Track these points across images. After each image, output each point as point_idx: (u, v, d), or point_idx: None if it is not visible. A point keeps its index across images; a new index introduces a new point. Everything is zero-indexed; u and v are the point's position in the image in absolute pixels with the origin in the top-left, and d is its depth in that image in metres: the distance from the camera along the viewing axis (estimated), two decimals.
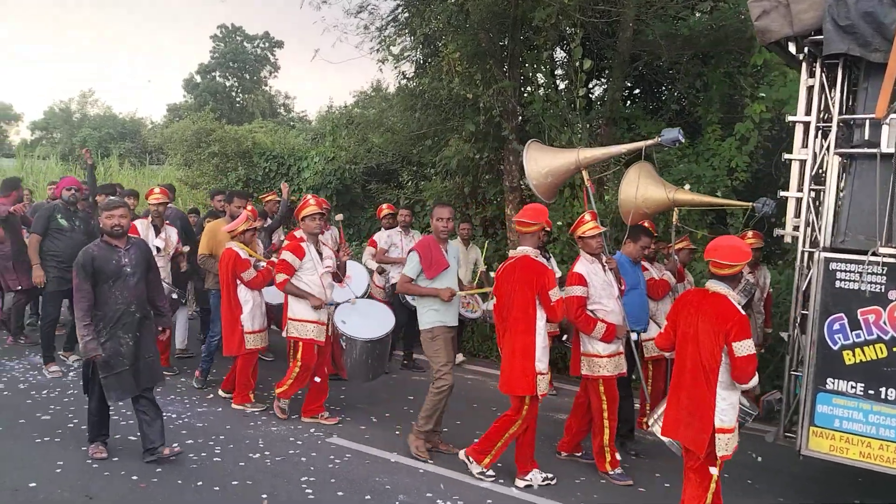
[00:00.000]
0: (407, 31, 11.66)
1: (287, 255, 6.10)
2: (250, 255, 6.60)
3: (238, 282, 6.46)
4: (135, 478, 4.93)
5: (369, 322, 6.37)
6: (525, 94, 10.74)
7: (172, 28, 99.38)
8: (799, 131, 5.27)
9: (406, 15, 11.61)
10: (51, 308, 7.47)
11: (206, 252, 7.22)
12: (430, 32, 11.03)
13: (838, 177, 5.04)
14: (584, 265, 5.42)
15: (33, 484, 4.74)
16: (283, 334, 6.30)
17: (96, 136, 37.69)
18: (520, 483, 5.17)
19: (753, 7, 5.04)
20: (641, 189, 6.31)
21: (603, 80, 11.80)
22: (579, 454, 5.84)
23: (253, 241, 6.81)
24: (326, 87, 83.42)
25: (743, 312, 4.14)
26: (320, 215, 6.29)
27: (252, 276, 6.44)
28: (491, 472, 5.23)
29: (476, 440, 5.42)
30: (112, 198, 4.83)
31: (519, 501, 4.98)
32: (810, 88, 5.14)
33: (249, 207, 7.33)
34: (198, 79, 48.53)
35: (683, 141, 6.27)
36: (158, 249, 7.22)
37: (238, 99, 49.34)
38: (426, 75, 11.59)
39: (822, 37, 4.78)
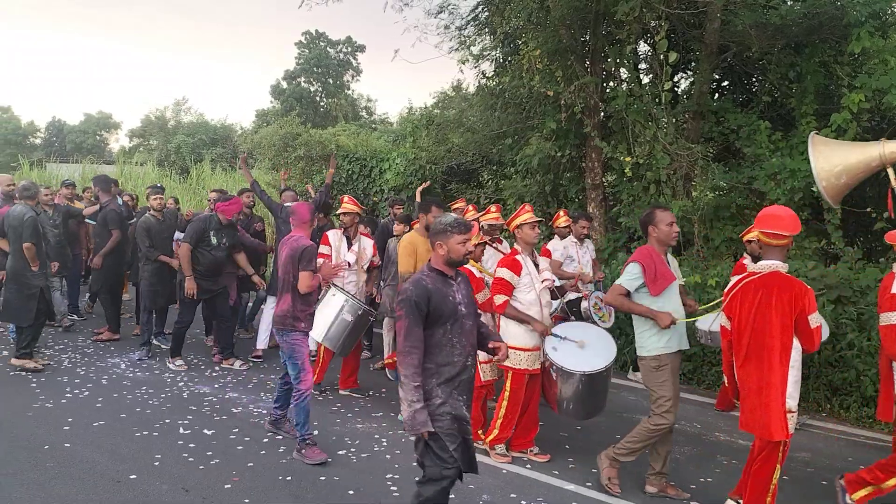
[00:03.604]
0: (487, 29, 11.65)
1: (504, 273, 5.38)
2: (483, 274, 5.90)
3: None
4: (229, 472, 5.10)
5: (585, 350, 5.42)
6: (607, 90, 10.55)
7: (260, 36, 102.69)
8: None
9: (486, 14, 11.61)
10: (186, 314, 7.88)
11: (412, 270, 6.24)
12: (511, 30, 10.99)
13: None
14: None
15: (134, 476, 4.97)
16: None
17: (190, 143, 39.38)
18: None
19: None
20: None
21: (689, 72, 11.47)
22: None
23: (482, 257, 6.19)
24: (407, 89, 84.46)
25: None
26: (538, 223, 5.59)
27: (486, 298, 5.64)
28: None
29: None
30: (459, 217, 3.80)
31: None
32: None
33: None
34: (284, 84, 50.00)
35: None
36: (349, 264, 7.08)
37: (322, 103, 50.54)
38: (506, 74, 11.54)
39: None
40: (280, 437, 5.82)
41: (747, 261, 6.59)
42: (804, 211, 9.22)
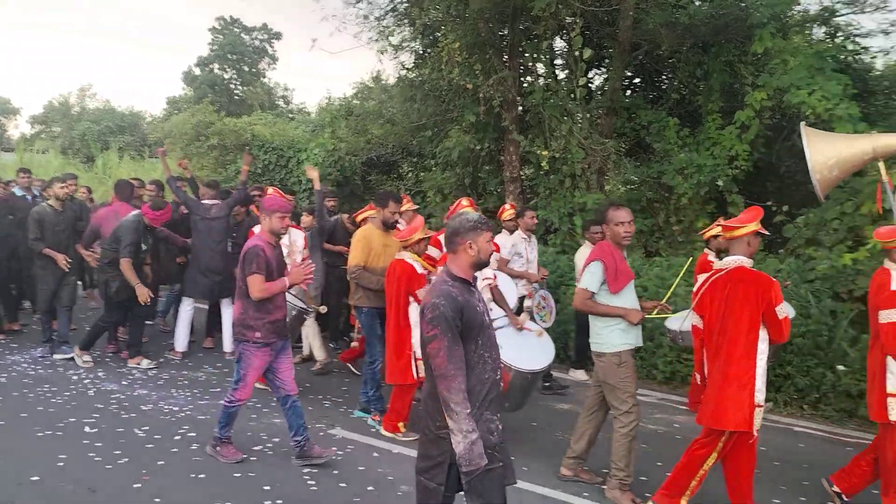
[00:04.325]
0: (406, 21, 11.63)
1: None
2: (426, 269, 5.69)
3: (410, 299, 5.54)
4: (138, 471, 4.94)
5: (528, 347, 5.36)
6: (525, 85, 10.71)
7: (172, 21, 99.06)
8: None
9: (405, 5, 11.58)
10: (114, 314, 7.47)
11: (361, 263, 6.02)
12: (430, 22, 11.00)
13: None
14: None
15: (36, 478, 4.74)
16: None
17: (95, 130, 37.58)
18: None
19: None
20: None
21: (602, 69, 11.77)
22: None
23: (426, 251, 5.92)
24: (325, 78, 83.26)
25: None
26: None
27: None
28: None
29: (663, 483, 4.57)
30: (473, 215, 3.30)
31: (516, 490, 4.97)
32: None
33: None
34: (196, 71, 48.42)
35: None
36: None
37: (237, 91, 49.24)
38: (426, 66, 11.57)
39: None
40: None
41: (711, 256, 6.65)
42: (709, 204, 9.65)
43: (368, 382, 6.17)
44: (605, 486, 4.85)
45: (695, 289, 4.56)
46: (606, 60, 11.39)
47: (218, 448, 5.20)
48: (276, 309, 5.04)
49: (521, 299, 7.07)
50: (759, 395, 4.11)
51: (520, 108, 10.77)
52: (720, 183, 9.19)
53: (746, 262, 4.23)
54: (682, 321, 5.85)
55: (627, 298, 4.72)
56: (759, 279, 4.13)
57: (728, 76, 9.95)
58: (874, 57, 10.94)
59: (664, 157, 9.69)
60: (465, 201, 5.59)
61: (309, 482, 4.88)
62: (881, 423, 4.30)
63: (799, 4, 10.00)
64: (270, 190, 7.10)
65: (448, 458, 3.07)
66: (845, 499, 4.76)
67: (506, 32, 10.65)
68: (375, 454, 5.46)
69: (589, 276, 4.67)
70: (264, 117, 19.14)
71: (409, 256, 5.62)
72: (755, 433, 4.17)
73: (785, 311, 4.14)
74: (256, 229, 7.04)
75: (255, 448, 5.44)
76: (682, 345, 6.28)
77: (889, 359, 4.18)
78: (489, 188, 11.36)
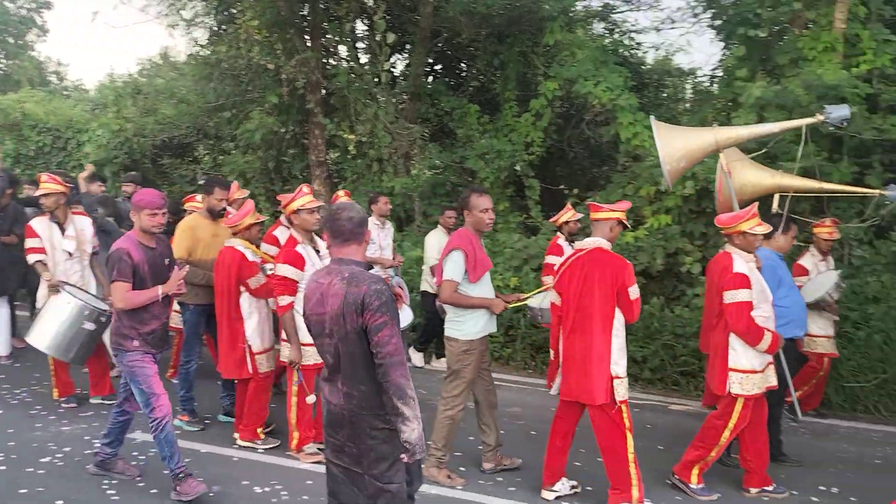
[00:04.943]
0: None
1: (286, 270, 4.84)
2: (257, 257, 5.38)
3: (242, 290, 5.23)
4: None
5: None
6: (329, 67, 10.55)
7: None
8: None
9: None
10: None
11: (185, 256, 5.55)
12: None
13: None
14: (743, 264, 4.53)
15: None
16: (283, 358, 5.16)
17: None
18: (548, 495, 4.63)
19: None
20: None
21: (406, 55, 11.89)
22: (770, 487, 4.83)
23: (258, 238, 5.63)
24: (106, 53, 76.53)
25: None
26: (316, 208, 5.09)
27: (261, 283, 5.19)
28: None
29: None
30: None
31: None
32: None
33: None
34: None
35: (849, 119, 5.51)
36: (70, 254, 5.98)
37: (0, 65, 43.87)
38: (222, 43, 10.98)
39: None
40: None
41: (561, 240, 6.90)
42: (509, 188, 10.12)
43: (181, 383, 5.76)
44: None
45: (556, 268, 4.74)
46: (409, 46, 11.51)
47: (178, 488, 4.43)
48: (152, 319, 4.51)
49: None
50: (617, 367, 4.32)
51: (324, 90, 10.59)
52: (518, 168, 9.66)
53: (605, 245, 4.44)
54: (541, 299, 5.96)
55: (484, 287, 4.75)
56: (614, 260, 4.36)
57: (522, 66, 10.45)
58: (646, 52, 12.09)
59: (466, 143, 10.00)
60: (305, 188, 5.25)
61: (109, 492, 4.50)
62: (720, 395, 4.60)
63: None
64: (45, 177, 6.30)
65: (398, 452, 2.92)
66: None
67: (307, 12, 10.39)
68: (183, 455, 5.12)
69: (452, 266, 4.59)
70: (35, 94, 17.20)
71: (238, 243, 5.26)
72: (618, 403, 4.31)
73: (637, 292, 4.37)
74: (35, 222, 6.24)
75: (43, 460, 4.91)
76: (541, 321, 6.32)
77: (732, 336, 4.54)
78: (294, 172, 11.06)
